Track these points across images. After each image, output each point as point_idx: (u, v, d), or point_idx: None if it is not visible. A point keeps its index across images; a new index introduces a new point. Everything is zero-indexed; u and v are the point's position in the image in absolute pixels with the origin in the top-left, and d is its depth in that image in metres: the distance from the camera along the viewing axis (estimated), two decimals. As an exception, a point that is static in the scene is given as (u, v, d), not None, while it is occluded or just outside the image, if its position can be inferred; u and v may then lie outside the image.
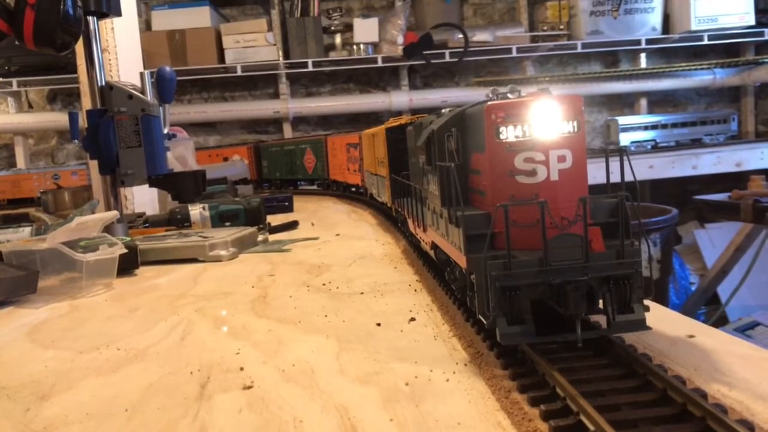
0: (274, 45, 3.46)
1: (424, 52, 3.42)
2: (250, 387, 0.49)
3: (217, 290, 0.85)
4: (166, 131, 1.19)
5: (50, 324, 0.75)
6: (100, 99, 1.15)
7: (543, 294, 0.42)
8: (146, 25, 3.54)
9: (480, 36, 3.49)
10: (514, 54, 3.50)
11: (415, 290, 0.76)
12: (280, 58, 3.53)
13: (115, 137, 1.13)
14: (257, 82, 3.80)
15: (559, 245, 0.42)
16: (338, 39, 3.58)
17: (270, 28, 3.49)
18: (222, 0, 3.68)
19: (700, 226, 3.59)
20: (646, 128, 3.44)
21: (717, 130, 3.51)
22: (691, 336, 0.50)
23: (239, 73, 3.43)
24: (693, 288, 3.30)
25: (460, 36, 3.45)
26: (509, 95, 0.47)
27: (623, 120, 3.47)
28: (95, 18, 1.18)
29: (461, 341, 0.54)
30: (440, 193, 0.54)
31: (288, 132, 3.76)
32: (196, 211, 1.37)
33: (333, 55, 3.55)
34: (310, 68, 3.47)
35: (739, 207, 2.18)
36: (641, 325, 0.43)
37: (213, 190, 1.64)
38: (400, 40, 3.42)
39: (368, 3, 3.88)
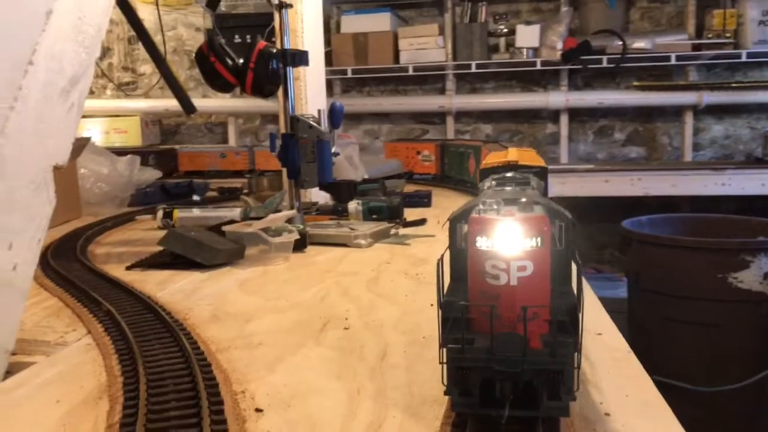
0: (443, 48, 3.87)
1: (582, 57, 3.63)
2: (347, 328, 0.93)
3: (351, 270, 1.30)
4: (333, 150, 1.67)
5: (251, 281, 1.25)
6: (290, 126, 1.65)
7: (490, 376, 0.51)
8: (336, 27, 4.12)
9: (639, 43, 3.61)
10: (674, 62, 3.59)
11: (471, 286, 1.15)
12: (448, 60, 3.93)
13: (298, 155, 1.62)
14: (427, 78, 4.23)
15: (505, 340, 0.51)
16: (502, 41, 3.89)
17: (441, 32, 3.89)
18: (402, 4, 4.15)
19: None
20: (808, 141, 3.37)
21: None
22: (607, 414, 0.64)
23: (411, 72, 3.89)
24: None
25: (620, 42, 3.60)
26: (494, 206, 0.56)
27: (784, 131, 3.43)
28: (291, 68, 1.67)
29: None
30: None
31: (450, 125, 4.17)
32: (353, 205, 1.84)
33: (496, 57, 3.87)
34: (474, 69, 3.84)
35: None
36: (563, 412, 0.51)
37: (367, 188, 2.10)
38: (560, 45, 3.66)
39: (536, 6, 4.13)
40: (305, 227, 1.56)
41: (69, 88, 0.95)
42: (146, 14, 4.00)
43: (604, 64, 3.64)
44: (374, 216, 1.83)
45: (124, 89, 4.63)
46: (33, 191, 0.88)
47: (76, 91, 0.98)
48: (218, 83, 1.57)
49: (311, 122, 1.62)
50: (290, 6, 1.67)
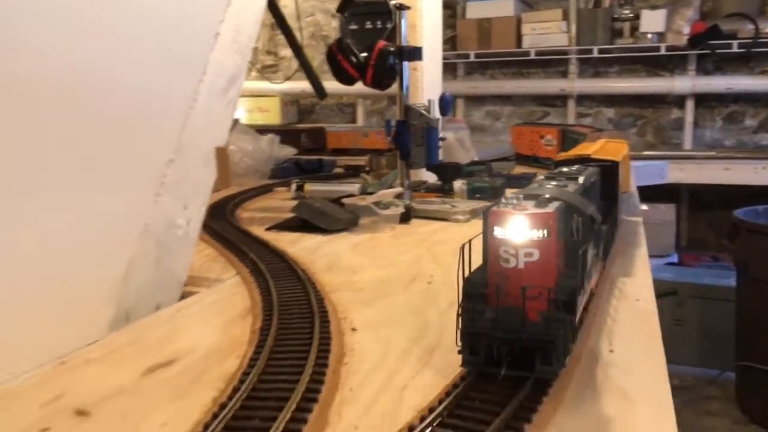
0: (566, 33, 3.94)
1: (710, 42, 3.57)
2: (430, 283, 1.17)
3: (442, 240, 1.53)
4: (441, 136, 1.90)
5: (362, 245, 1.51)
6: (404, 114, 1.89)
7: (494, 342, 0.61)
8: (462, 13, 4.29)
9: (774, 27, 3.49)
10: (811, 46, 3.44)
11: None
12: (571, 44, 3.99)
13: (410, 140, 1.86)
14: (550, 61, 4.32)
15: (508, 312, 0.61)
16: (627, 26, 3.89)
17: (564, 17, 3.96)
18: (527, -11, 4.25)
19: None
20: None
21: None
22: (611, 351, 0.80)
23: (532, 57, 4.00)
24: None
25: (753, 26, 3.50)
26: (514, 201, 0.65)
27: None
28: (407, 62, 1.91)
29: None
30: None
31: (571, 108, 4.23)
32: (458, 185, 2.06)
33: (619, 42, 3.89)
34: (596, 54, 3.88)
35: None
36: (553, 375, 0.62)
37: (474, 170, 2.30)
38: (686, 30, 3.62)
39: (665, -12, 4.06)
40: (411, 203, 1.80)
41: (228, 87, 1.25)
42: (286, 1, 4.39)
43: (734, 49, 3.55)
44: (477, 195, 2.04)
45: (266, 71, 5.09)
46: (201, 168, 1.19)
47: (233, 89, 1.28)
48: (343, 78, 1.84)
49: (422, 111, 1.86)
50: (408, 8, 1.90)
